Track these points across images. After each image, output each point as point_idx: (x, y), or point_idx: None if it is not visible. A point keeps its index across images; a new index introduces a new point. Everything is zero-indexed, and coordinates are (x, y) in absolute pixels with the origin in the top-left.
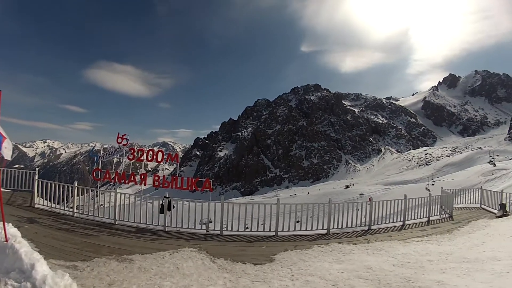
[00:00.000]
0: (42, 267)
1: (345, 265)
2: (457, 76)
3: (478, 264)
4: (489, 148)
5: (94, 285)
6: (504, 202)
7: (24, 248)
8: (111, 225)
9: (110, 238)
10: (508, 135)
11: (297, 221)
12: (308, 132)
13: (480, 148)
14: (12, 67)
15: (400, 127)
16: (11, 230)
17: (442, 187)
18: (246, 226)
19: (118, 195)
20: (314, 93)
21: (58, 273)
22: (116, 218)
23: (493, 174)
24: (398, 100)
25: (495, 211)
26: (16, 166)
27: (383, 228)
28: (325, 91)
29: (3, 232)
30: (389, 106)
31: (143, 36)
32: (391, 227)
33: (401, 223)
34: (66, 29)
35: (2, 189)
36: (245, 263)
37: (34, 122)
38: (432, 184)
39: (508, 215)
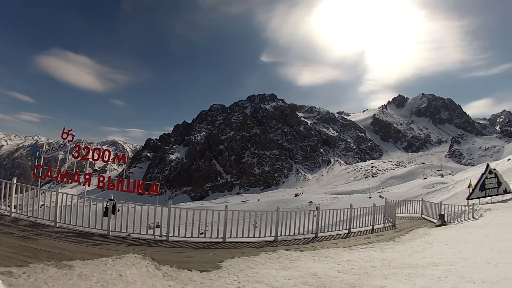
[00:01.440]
0: None
1: (292, 272)
2: (405, 97)
3: (419, 270)
4: (430, 163)
5: None
6: (442, 212)
7: None
8: (52, 227)
9: (50, 242)
10: (448, 153)
11: (256, 226)
12: (261, 140)
13: (423, 163)
14: None
15: (349, 141)
16: None
17: (386, 198)
18: (201, 231)
19: (60, 195)
20: (269, 103)
21: None
22: (57, 220)
23: (433, 187)
24: (349, 115)
25: (435, 221)
26: None
27: (330, 236)
28: (280, 102)
29: None
30: (341, 120)
31: (103, 28)
32: (337, 234)
33: (346, 231)
34: (19, 9)
35: None
36: (191, 270)
37: None
38: (370, 196)
39: (446, 224)
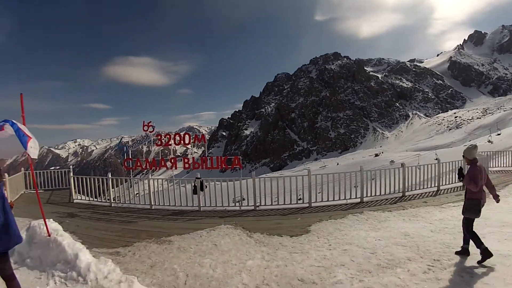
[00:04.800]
0: (85, 256)
1: (382, 233)
2: (483, 32)
3: None
4: None
5: (137, 268)
6: None
7: (67, 240)
8: (148, 210)
9: (148, 223)
10: None
11: (356, 186)
12: (332, 102)
13: None
14: (37, 76)
15: (427, 90)
16: (52, 225)
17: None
18: (299, 197)
19: (152, 181)
20: (334, 62)
21: (101, 260)
22: (152, 204)
23: None
24: (422, 62)
25: None
26: (52, 168)
27: (418, 194)
28: (345, 59)
29: (44, 228)
30: (414, 69)
31: (154, 26)
32: (425, 193)
33: (435, 189)
34: (76, 33)
35: (42, 190)
36: (282, 236)
37: (63, 125)
38: (436, 157)
39: None
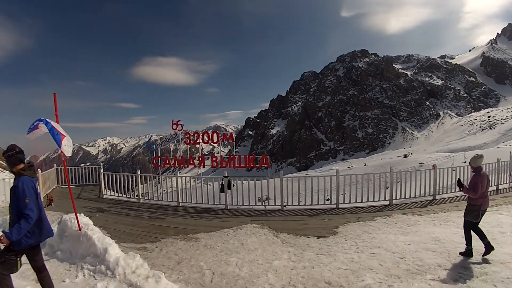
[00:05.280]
0: (114, 250)
1: (411, 237)
2: None
3: None
4: None
5: (164, 264)
6: None
7: (97, 235)
8: (175, 207)
9: (175, 220)
10: None
11: (387, 188)
12: (359, 101)
13: None
14: (68, 76)
15: (458, 88)
16: (83, 219)
17: (510, 152)
18: (327, 197)
19: (180, 179)
20: (361, 59)
21: (130, 254)
22: (180, 201)
23: None
24: (453, 58)
25: None
26: (83, 164)
27: (449, 198)
28: (373, 56)
29: (76, 222)
30: (445, 66)
31: (180, 27)
32: (457, 196)
33: None
34: (106, 35)
35: (73, 186)
36: (308, 237)
37: (94, 123)
38: (464, 160)
39: None
